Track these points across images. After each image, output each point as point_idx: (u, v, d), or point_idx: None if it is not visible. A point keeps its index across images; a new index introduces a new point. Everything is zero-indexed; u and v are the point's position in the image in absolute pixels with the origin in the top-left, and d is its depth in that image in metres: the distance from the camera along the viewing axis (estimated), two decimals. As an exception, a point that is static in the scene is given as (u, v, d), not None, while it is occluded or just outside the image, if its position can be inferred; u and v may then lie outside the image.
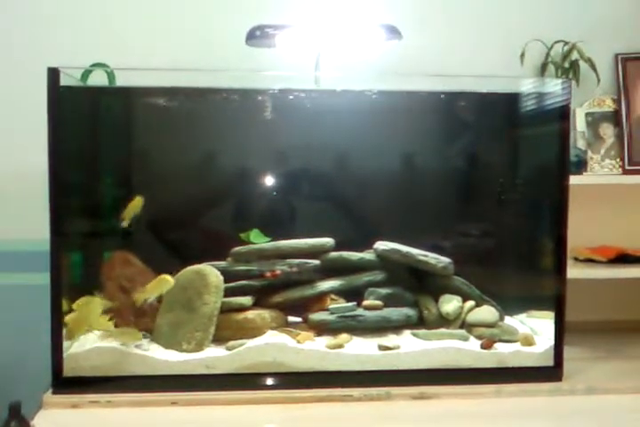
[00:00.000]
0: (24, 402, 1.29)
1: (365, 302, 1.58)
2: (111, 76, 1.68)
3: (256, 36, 1.66)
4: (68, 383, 1.42)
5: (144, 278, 1.54)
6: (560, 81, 1.55)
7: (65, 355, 1.42)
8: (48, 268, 1.40)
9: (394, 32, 1.68)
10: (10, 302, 1.86)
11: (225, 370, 1.45)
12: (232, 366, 1.45)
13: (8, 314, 1.85)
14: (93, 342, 1.48)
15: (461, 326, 1.58)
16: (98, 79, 1.65)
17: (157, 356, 1.45)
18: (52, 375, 1.42)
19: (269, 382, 1.46)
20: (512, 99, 1.64)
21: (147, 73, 1.51)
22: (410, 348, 1.51)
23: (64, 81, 1.40)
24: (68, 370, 1.42)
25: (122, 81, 1.67)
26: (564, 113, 1.53)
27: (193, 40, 1.87)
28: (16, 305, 1.85)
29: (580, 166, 1.84)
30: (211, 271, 1.51)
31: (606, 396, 1.48)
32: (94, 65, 1.68)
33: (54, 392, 1.41)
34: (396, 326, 1.56)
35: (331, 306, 1.56)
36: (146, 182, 1.62)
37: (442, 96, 1.64)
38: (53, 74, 1.39)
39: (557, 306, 1.53)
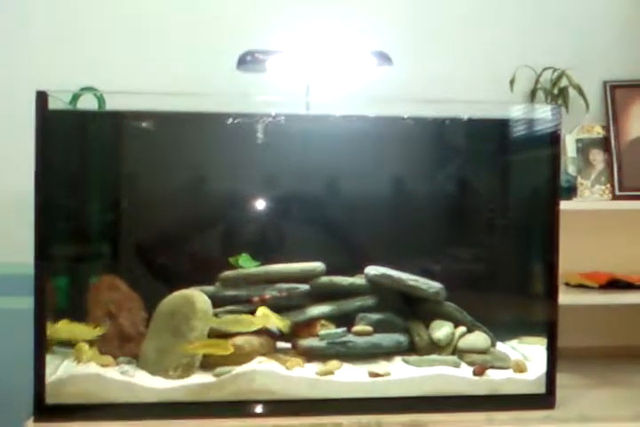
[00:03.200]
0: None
1: (355, 328, 1.56)
2: (100, 100, 1.68)
3: (247, 61, 1.67)
4: (50, 411, 1.38)
5: (131, 303, 1.53)
6: (550, 107, 1.56)
7: (47, 381, 1.39)
8: (32, 292, 1.37)
9: (384, 58, 1.69)
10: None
11: (213, 397, 1.42)
12: (220, 394, 1.42)
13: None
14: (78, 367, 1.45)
15: (453, 353, 1.56)
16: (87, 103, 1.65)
17: (143, 383, 1.42)
18: (34, 403, 1.38)
19: (258, 409, 1.43)
20: (502, 125, 1.65)
21: (137, 97, 1.51)
22: (401, 375, 1.48)
23: (52, 104, 1.40)
24: (51, 397, 1.39)
25: (111, 105, 1.67)
26: (554, 139, 1.53)
27: (184, 65, 1.87)
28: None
29: (571, 192, 1.85)
30: (199, 296, 1.49)
31: (599, 424, 1.45)
32: (83, 89, 1.68)
33: (36, 420, 1.38)
34: (386, 353, 1.54)
35: (320, 332, 1.54)
36: (134, 207, 1.61)
37: (433, 122, 1.64)
38: (41, 97, 1.38)
39: (549, 332, 1.51)
